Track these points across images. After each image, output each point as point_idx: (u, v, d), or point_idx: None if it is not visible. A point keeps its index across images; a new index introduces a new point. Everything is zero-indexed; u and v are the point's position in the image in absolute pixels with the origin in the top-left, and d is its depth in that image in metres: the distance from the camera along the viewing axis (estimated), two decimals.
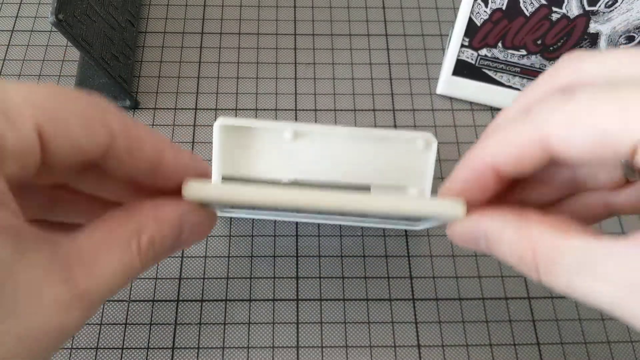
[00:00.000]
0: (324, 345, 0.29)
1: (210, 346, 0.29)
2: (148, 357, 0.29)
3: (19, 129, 0.15)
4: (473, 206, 0.20)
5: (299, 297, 0.31)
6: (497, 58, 0.33)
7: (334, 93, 0.37)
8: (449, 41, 0.35)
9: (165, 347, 0.29)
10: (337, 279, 0.31)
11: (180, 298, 0.30)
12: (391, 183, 0.28)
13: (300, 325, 0.30)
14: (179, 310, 0.30)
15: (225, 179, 0.29)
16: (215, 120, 0.36)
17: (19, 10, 0.40)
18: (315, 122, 0.36)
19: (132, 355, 0.29)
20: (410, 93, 0.38)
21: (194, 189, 0.20)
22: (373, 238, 0.32)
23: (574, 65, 0.18)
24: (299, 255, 0.32)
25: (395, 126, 0.36)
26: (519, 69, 0.33)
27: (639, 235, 0.15)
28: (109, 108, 0.18)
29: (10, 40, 0.39)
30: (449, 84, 0.36)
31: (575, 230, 0.18)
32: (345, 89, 0.38)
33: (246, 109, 0.37)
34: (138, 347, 0.29)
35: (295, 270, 0.31)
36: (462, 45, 0.33)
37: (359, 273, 0.31)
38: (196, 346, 0.29)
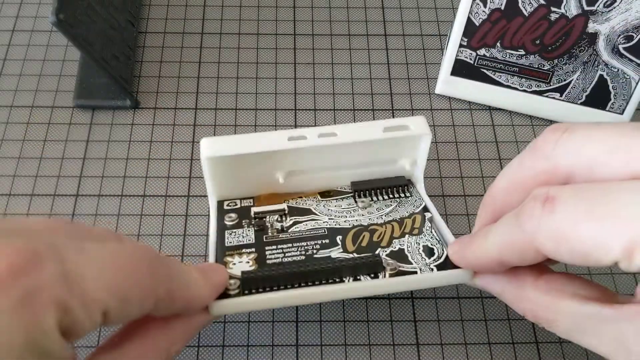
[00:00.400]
0: (323, 343, 0.29)
1: (210, 344, 0.29)
2: None
3: (91, 314, 0.17)
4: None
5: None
6: (496, 58, 0.33)
7: (334, 93, 0.38)
8: (448, 41, 0.35)
9: None
10: None
11: None
12: (385, 158, 0.29)
13: (299, 324, 0.30)
14: None
15: (221, 202, 0.30)
16: (214, 119, 0.36)
17: (19, 10, 0.41)
18: (315, 122, 0.37)
19: None
20: (409, 93, 0.38)
21: (219, 308, 0.23)
22: None
23: (552, 150, 0.20)
24: None
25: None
26: (517, 69, 0.33)
27: (623, 307, 0.18)
28: (160, 270, 0.20)
29: (10, 40, 0.39)
30: (447, 83, 0.36)
31: (568, 293, 0.20)
32: (344, 89, 0.38)
33: (246, 109, 0.37)
34: None
35: None
36: (461, 45, 0.33)
37: None
38: (196, 345, 0.29)
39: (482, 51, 0.32)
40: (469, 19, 0.31)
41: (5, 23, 0.40)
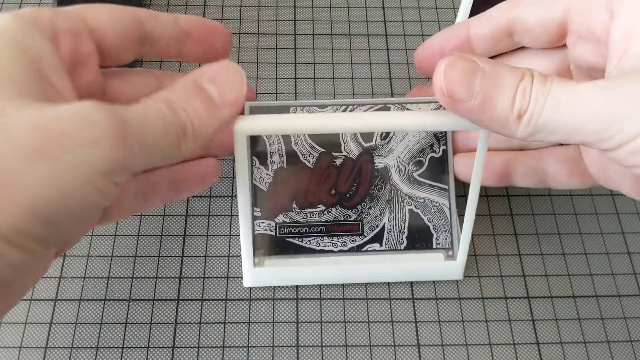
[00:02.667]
0: (323, 344, 0.29)
1: (210, 345, 0.29)
2: (148, 357, 0.29)
3: (67, 17, 0.21)
4: None
5: (299, 296, 0.31)
6: (297, 221, 0.29)
7: (334, 93, 0.37)
8: None
9: (165, 346, 0.29)
10: None
11: (180, 297, 0.30)
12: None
13: (300, 325, 0.30)
14: (179, 309, 0.30)
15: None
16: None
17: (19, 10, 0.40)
18: None
19: (132, 354, 0.29)
20: None
21: (243, 127, 0.23)
22: None
23: None
24: None
25: None
26: (324, 227, 0.29)
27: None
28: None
29: None
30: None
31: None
32: (345, 89, 0.38)
33: None
34: (138, 346, 0.29)
35: None
36: (256, 218, 0.29)
37: None
38: (196, 345, 0.29)
39: (280, 218, 0.29)
40: (255, 188, 0.29)
41: None
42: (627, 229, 0.33)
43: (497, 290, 0.31)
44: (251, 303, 0.30)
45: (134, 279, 0.31)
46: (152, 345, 0.29)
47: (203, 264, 0.31)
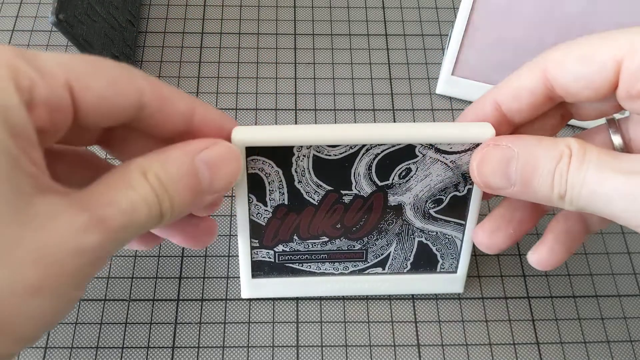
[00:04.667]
0: (323, 344, 0.29)
1: (210, 345, 0.29)
2: (148, 357, 0.29)
3: (50, 82, 0.16)
4: None
5: (299, 297, 0.31)
6: (298, 250, 0.28)
7: (334, 93, 0.37)
8: (449, 41, 0.35)
9: (165, 346, 0.29)
10: None
11: (180, 297, 0.30)
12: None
13: (300, 325, 0.30)
14: (179, 309, 0.30)
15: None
16: None
17: (19, 10, 0.40)
18: (315, 122, 0.36)
19: (132, 354, 0.29)
20: (410, 93, 0.38)
21: (240, 133, 0.22)
22: None
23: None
24: None
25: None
26: (325, 255, 0.29)
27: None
28: (138, 71, 0.19)
29: (10, 40, 0.39)
30: (448, 83, 0.36)
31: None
32: (345, 89, 0.38)
33: (246, 109, 0.37)
34: (138, 346, 0.29)
35: None
36: (253, 247, 0.28)
37: None
38: (196, 345, 0.29)
39: (280, 247, 0.28)
40: (252, 222, 0.27)
41: (5, 23, 0.40)
42: (627, 229, 0.33)
43: (497, 290, 0.31)
44: (251, 303, 0.30)
45: (134, 279, 0.31)
46: (152, 345, 0.29)
47: (203, 264, 0.31)
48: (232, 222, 0.33)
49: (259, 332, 0.29)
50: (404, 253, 0.29)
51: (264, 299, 0.30)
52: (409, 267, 0.29)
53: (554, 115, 0.23)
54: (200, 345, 0.29)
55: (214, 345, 0.29)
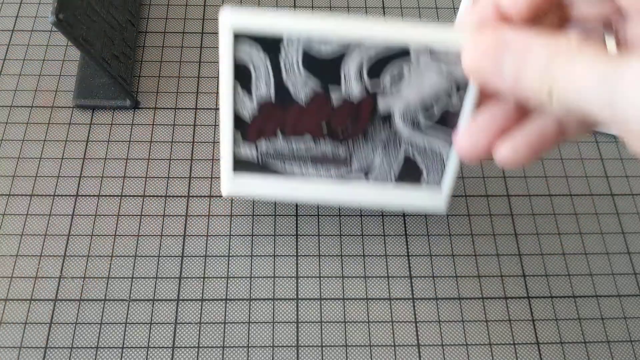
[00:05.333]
0: (323, 344, 0.29)
1: (210, 345, 0.29)
2: (148, 357, 0.29)
3: None
4: None
5: (299, 297, 0.31)
6: (281, 151, 0.27)
7: None
8: None
9: (165, 346, 0.29)
10: (336, 279, 0.31)
11: (180, 298, 0.30)
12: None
13: (300, 325, 0.30)
14: (179, 310, 0.30)
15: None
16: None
17: (19, 10, 0.40)
18: None
19: (132, 354, 0.29)
20: None
21: (229, 17, 0.22)
22: (373, 237, 0.32)
23: None
24: (298, 254, 0.32)
25: None
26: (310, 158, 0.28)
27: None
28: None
29: (10, 40, 0.39)
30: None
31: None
32: None
33: None
34: (138, 346, 0.29)
35: (295, 269, 0.31)
36: (237, 140, 0.27)
37: (358, 272, 0.31)
38: (196, 345, 0.29)
39: (263, 145, 0.27)
40: (237, 116, 0.26)
41: (5, 23, 0.40)
42: (627, 229, 0.33)
43: (497, 290, 0.31)
44: (251, 303, 0.30)
45: (134, 279, 0.31)
46: (152, 345, 0.29)
47: (203, 264, 0.31)
48: (231, 221, 0.33)
49: (259, 332, 0.29)
50: (389, 164, 0.28)
51: (264, 299, 0.30)
52: (393, 179, 0.29)
53: (552, 18, 0.23)
54: (200, 345, 0.29)
55: (214, 345, 0.29)
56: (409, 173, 0.28)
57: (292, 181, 0.29)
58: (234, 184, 0.29)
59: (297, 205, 0.33)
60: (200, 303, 0.30)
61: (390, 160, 0.28)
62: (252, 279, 0.31)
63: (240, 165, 0.28)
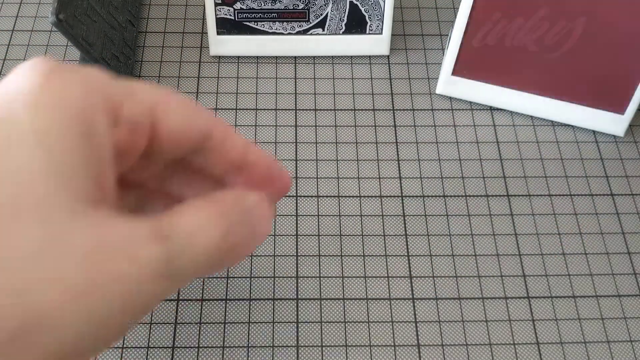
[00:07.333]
0: (323, 344, 0.29)
1: (210, 345, 0.29)
2: (148, 357, 0.29)
3: (137, 105, 0.17)
4: None
5: (299, 297, 0.31)
6: (253, 8, 0.35)
7: (334, 93, 0.37)
8: (449, 41, 0.35)
9: (165, 346, 0.29)
10: (336, 279, 0.31)
11: (180, 297, 0.30)
12: None
13: (300, 325, 0.30)
14: (179, 309, 0.30)
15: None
16: None
17: (19, 10, 0.40)
18: (315, 122, 0.36)
19: (132, 354, 0.29)
20: (410, 93, 0.38)
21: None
22: (373, 237, 0.32)
23: None
24: (298, 254, 0.32)
25: (395, 126, 0.36)
26: (275, 14, 0.36)
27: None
28: (202, 108, 0.20)
29: (10, 40, 0.39)
30: (448, 83, 0.36)
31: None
32: (345, 89, 0.38)
33: (246, 109, 0.37)
34: (138, 346, 0.29)
35: (295, 269, 0.31)
36: (216, 4, 0.35)
37: (358, 272, 0.31)
38: (196, 345, 0.29)
39: (238, 5, 0.35)
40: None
41: (5, 23, 0.40)
42: (627, 229, 0.33)
43: (497, 290, 0.31)
44: (251, 303, 0.30)
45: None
46: (152, 345, 0.29)
47: None
48: None
49: (259, 332, 0.29)
50: (339, 14, 0.36)
51: (264, 299, 0.30)
52: (343, 28, 0.36)
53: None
54: (200, 345, 0.29)
55: (214, 345, 0.29)
56: (356, 22, 0.36)
57: (265, 39, 0.37)
58: (219, 45, 0.37)
59: (297, 205, 0.33)
60: (200, 303, 0.30)
61: (340, 10, 0.35)
62: (252, 279, 0.31)
63: (222, 23, 0.36)
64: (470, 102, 0.37)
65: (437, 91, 0.37)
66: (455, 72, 0.36)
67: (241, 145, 0.20)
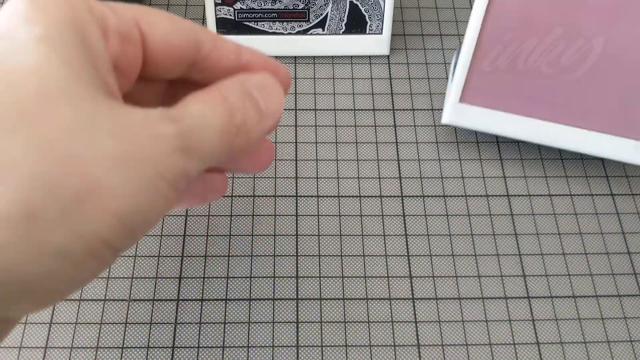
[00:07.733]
0: (323, 344, 0.29)
1: (210, 345, 0.29)
2: (148, 357, 0.29)
3: (120, 15, 0.18)
4: None
5: (299, 297, 0.31)
6: (253, 9, 0.35)
7: (334, 93, 0.37)
8: (454, 67, 0.35)
9: (165, 346, 0.29)
10: (336, 279, 0.31)
11: (180, 297, 0.30)
12: None
13: (300, 325, 0.30)
14: (179, 309, 0.30)
15: None
16: None
17: None
18: (315, 122, 0.36)
19: (132, 354, 0.29)
20: (410, 93, 0.38)
21: None
22: (373, 237, 0.32)
23: None
24: (298, 254, 0.32)
25: (395, 126, 0.36)
26: (275, 14, 0.36)
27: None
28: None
29: None
30: (455, 112, 0.34)
31: None
32: (345, 89, 0.38)
33: None
34: (138, 346, 0.29)
35: (295, 269, 0.31)
36: (216, 4, 0.35)
37: (358, 272, 0.31)
38: (196, 346, 0.29)
39: (238, 5, 0.35)
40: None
41: None
42: (627, 229, 0.33)
43: (497, 290, 0.31)
44: (251, 303, 0.30)
45: (133, 279, 0.31)
46: (152, 345, 0.29)
47: (203, 264, 0.31)
48: (231, 221, 0.33)
49: (259, 332, 0.29)
50: (339, 13, 0.35)
51: (264, 299, 0.30)
52: (343, 28, 0.36)
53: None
54: (200, 345, 0.29)
55: (214, 345, 0.29)
56: (356, 22, 0.36)
57: (265, 39, 0.37)
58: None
59: (297, 205, 0.33)
60: (200, 303, 0.30)
61: (340, 10, 0.35)
62: (252, 279, 0.31)
63: (222, 23, 0.36)
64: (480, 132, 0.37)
65: (443, 121, 0.34)
66: (463, 99, 0.33)
67: (232, 48, 0.21)
